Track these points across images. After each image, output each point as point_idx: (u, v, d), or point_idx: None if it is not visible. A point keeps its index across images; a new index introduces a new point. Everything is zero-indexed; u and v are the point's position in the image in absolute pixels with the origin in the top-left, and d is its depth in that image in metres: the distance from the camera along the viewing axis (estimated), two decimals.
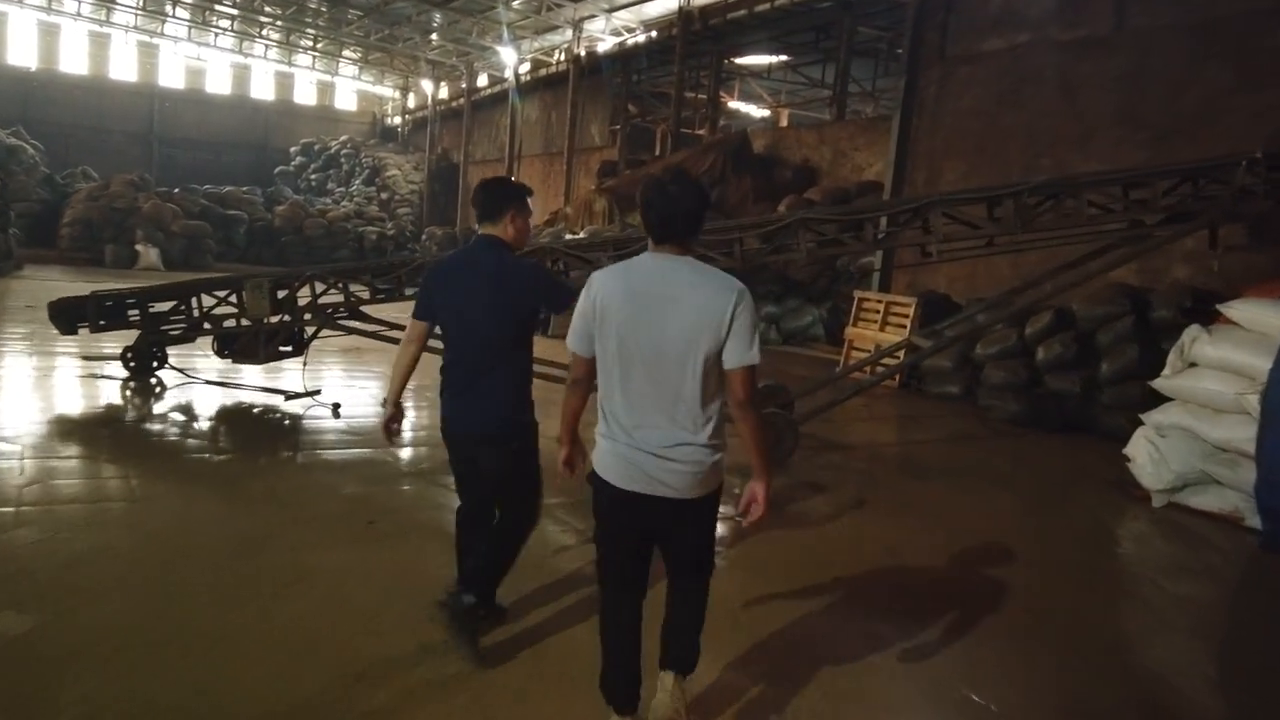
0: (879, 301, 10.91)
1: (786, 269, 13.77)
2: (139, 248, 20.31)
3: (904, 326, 10.46)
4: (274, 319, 7.41)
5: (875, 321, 10.88)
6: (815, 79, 24.23)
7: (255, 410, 7.33)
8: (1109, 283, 9.01)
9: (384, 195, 31.38)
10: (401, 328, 4.34)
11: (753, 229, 6.85)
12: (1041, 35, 10.36)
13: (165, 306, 7.86)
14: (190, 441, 6.36)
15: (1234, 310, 5.86)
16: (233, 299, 7.57)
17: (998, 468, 7.20)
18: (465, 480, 3.41)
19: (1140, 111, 9.38)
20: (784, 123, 26.08)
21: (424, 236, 27.75)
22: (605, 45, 24.28)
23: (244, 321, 7.41)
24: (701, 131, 22.64)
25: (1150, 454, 5.99)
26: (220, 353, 7.59)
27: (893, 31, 18.84)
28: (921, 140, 11.74)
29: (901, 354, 8.40)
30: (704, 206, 2.61)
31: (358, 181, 32.92)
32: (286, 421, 7.01)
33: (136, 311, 7.78)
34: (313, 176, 35.06)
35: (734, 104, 26.99)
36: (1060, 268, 7.47)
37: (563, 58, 26.14)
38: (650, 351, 2.51)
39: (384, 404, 3.40)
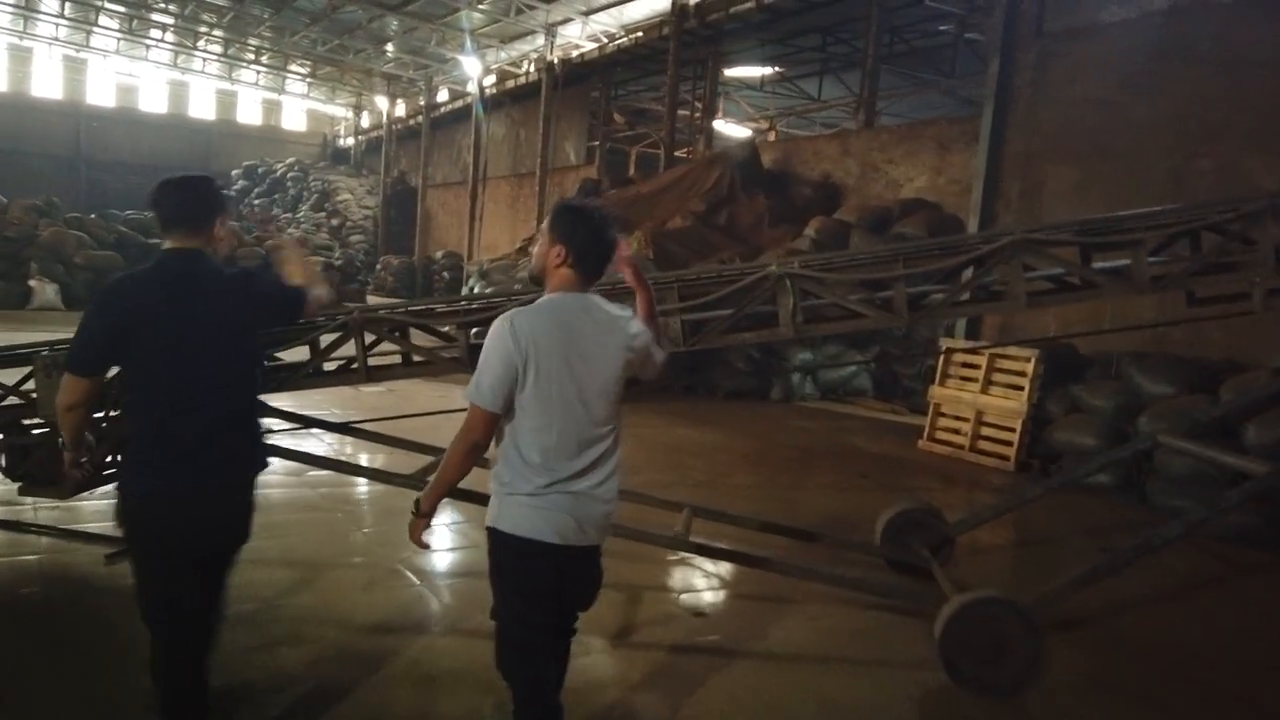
0: (979, 354, 8.16)
1: None
2: (33, 283, 17.11)
3: (1020, 388, 7.74)
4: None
5: (975, 380, 8.14)
6: (810, 94, 21.95)
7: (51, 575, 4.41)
8: None
9: (334, 221, 28.42)
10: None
11: (931, 261, 4.06)
12: None
13: None
14: None
15: None
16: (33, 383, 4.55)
17: None
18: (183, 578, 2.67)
19: None
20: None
21: (379, 266, 24.88)
22: (582, 52, 21.62)
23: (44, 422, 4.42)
24: (684, 152, 20.05)
25: None
26: (10, 473, 4.53)
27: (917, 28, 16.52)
28: (1014, 141, 9.11)
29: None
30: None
31: (305, 207, 29.99)
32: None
33: None
34: (256, 201, 31.99)
35: (717, 123, 24.44)
36: None
37: (533, 68, 23.46)
38: (588, 393, 2.45)
39: None
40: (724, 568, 4.88)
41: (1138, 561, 4.03)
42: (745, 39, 17.60)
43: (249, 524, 2.90)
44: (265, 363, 3.99)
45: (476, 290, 14.24)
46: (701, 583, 4.83)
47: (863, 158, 14.18)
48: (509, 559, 2.52)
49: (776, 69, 20.48)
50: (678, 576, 4.88)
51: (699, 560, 4.86)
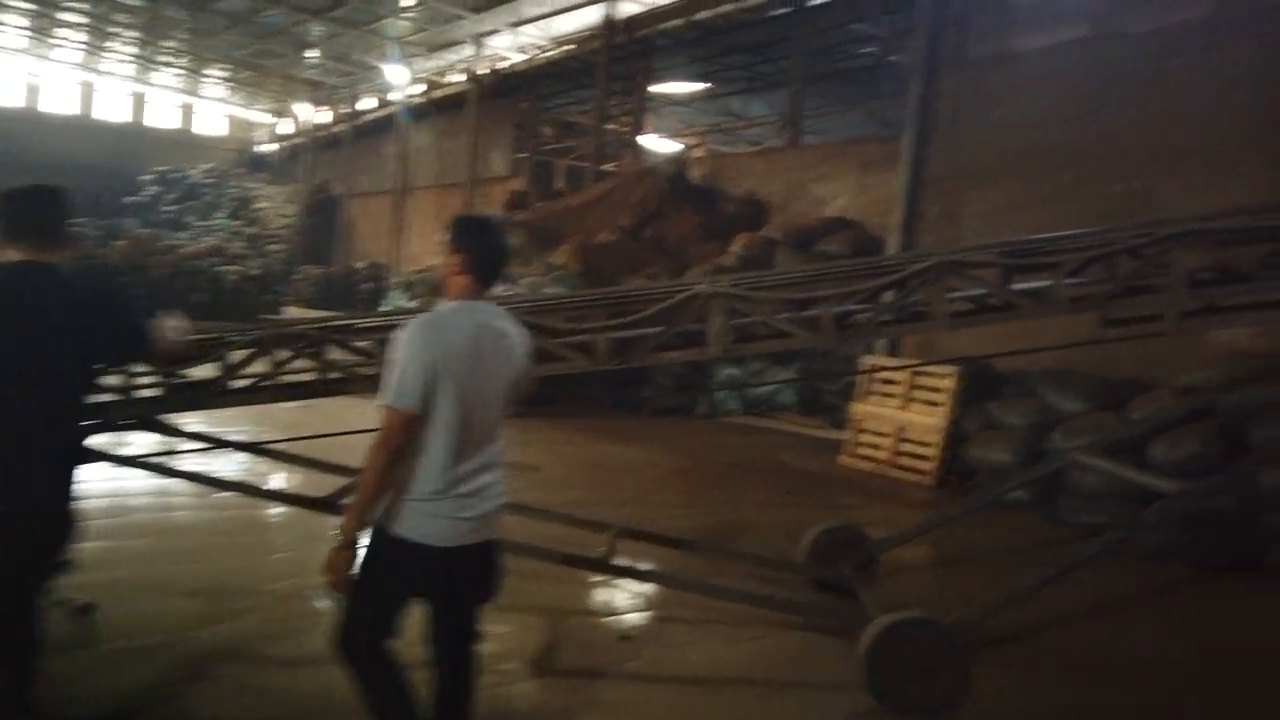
0: (900, 371, 8.28)
1: None
2: None
3: (939, 405, 7.88)
4: None
5: (896, 396, 8.26)
6: (736, 112, 22.20)
7: None
8: (1228, 352, 6.69)
9: (252, 230, 27.58)
10: None
11: (858, 281, 4.06)
12: (1108, 27, 8.06)
13: None
14: None
15: None
16: None
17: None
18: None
19: (1260, 122, 7.12)
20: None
21: (297, 276, 24.24)
22: (511, 63, 21.47)
23: None
24: (613, 166, 20.05)
25: None
26: None
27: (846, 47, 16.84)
28: (935, 163, 9.30)
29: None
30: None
31: (222, 215, 28.99)
32: None
33: None
34: (169, 208, 30.84)
35: (646, 138, 24.51)
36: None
37: (461, 78, 23.20)
38: (490, 396, 2.58)
39: None
40: (650, 589, 4.80)
41: (1060, 578, 4.09)
42: (675, 55, 17.69)
43: (36, 554, 2.78)
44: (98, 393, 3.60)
45: (401, 301, 13.93)
46: (627, 605, 4.74)
47: (788, 176, 14.36)
48: (402, 560, 2.53)
49: (705, 85, 20.64)
50: (603, 598, 4.78)
51: (625, 581, 4.77)
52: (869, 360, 8.85)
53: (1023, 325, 4.19)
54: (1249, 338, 6.52)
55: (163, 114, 36.75)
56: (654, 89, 20.17)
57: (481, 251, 2.60)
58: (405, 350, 2.48)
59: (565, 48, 19.61)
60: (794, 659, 4.13)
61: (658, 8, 15.97)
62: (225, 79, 33.16)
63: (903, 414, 8.15)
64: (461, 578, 2.61)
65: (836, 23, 14.95)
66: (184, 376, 4.07)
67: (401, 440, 2.47)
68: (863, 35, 15.98)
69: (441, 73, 24.74)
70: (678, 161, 16.08)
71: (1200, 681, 4.29)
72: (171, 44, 28.69)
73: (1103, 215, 7.04)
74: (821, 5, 14.16)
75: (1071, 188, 8.06)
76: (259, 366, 4.06)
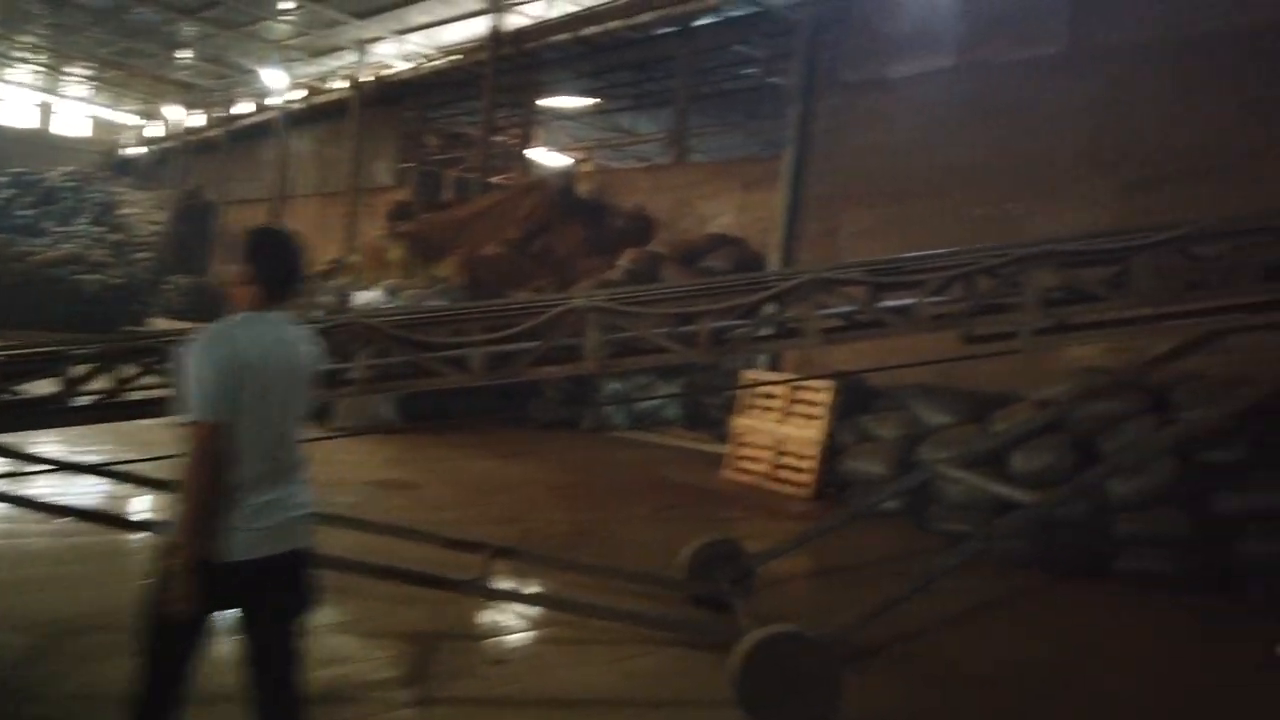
0: (779, 385, 8.44)
1: None
2: None
3: (816, 418, 8.06)
4: None
5: (776, 410, 8.41)
6: (625, 128, 22.38)
7: None
8: (1082, 368, 7.06)
9: (117, 237, 26.10)
10: None
11: (734, 297, 4.09)
12: (972, 58, 8.46)
13: None
14: None
15: None
16: None
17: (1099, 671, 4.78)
18: None
19: (1109, 150, 7.59)
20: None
21: (167, 286, 23.11)
22: (396, 71, 21.03)
23: None
24: (500, 179, 19.88)
25: None
26: None
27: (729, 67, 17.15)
28: (814, 183, 9.55)
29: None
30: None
31: (83, 220, 27.31)
32: None
33: None
34: (24, 213, 28.87)
35: (534, 151, 24.39)
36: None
37: (345, 85, 22.59)
38: (289, 406, 2.59)
39: None
40: (526, 610, 4.71)
41: (926, 588, 4.20)
42: (562, 69, 17.68)
43: None
44: None
45: None
46: (502, 627, 4.63)
47: (674, 192, 14.51)
48: (209, 576, 2.43)
49: (594, 100, 20.71)
50: (477, 621, 4.66)
51: (501, 603, 4.67)
52: (750, 375, 8.99)
53: (895, 341, 4.32)
54: (1100, 353, 6.90)
55: (18, 113, 34.55)
56: (542, 102, 20.11)
57: (272, 263, 2.62)
58: (196, 364, 2.46)
59: (452, 57, 19.34)
60: (672, 677, 4.11)
61: (545, 22, 15.95)
62: (89, 78, 31.37)
63: (782, 428, 8.30)
64: (261, 592, 2.54)
65: (720, 43, 15.20)
66: (17, 393, 3.78)
67: (216, 449, 2.44)
68: (745, 57, 16.31)
69: (323, 78, 24.03)
70: (566, 175, 16.07)
71: (1056, 683, 4.47)
72: (29, 39, 26.98)
73: (967, 236, 7.34)
74: (705, 26, 14.39)
75: (938, 210, 8.40)
76: (104, 383, 3.80)
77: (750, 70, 17.31)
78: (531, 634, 4.60)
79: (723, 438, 9.18)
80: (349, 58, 21.75)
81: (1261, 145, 6.82)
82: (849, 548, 6.39)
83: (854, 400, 8.13)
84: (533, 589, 4.84)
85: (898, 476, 7.22)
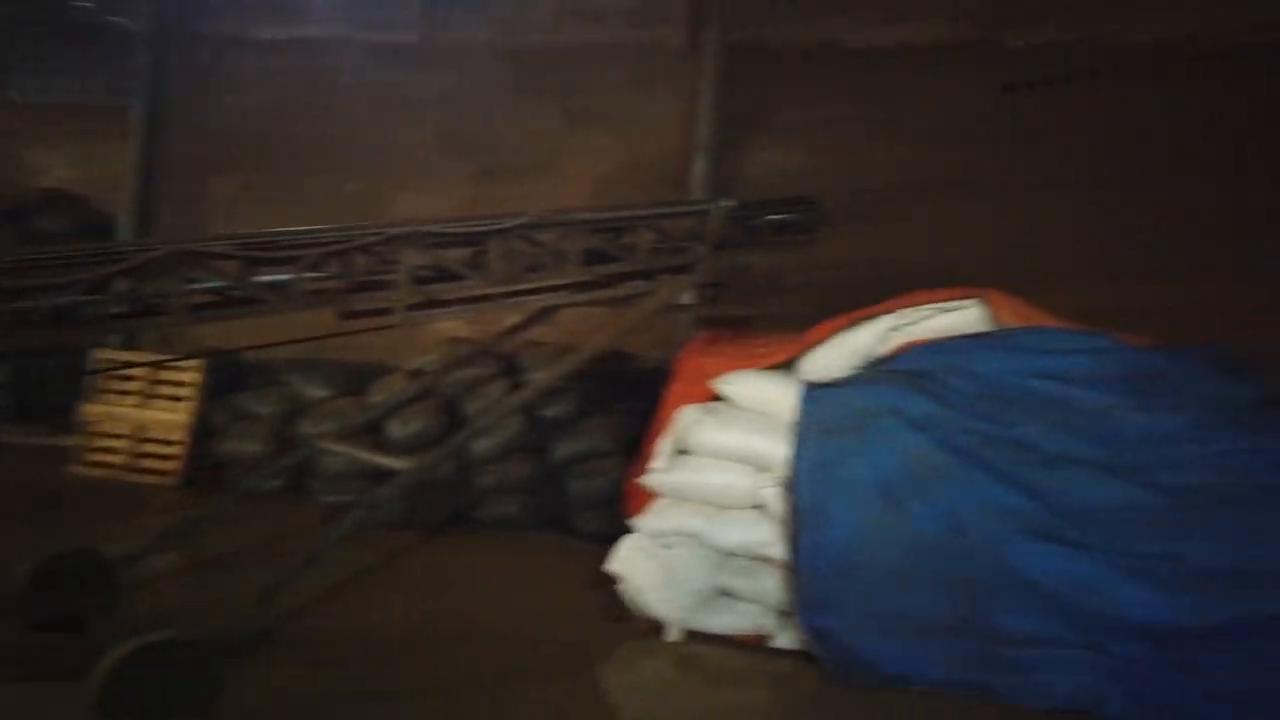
0: (136, 368, 7.59)
1: None
2: None
3: (183, 399, 7.47)
4: None
5: (135, 394, 7.56)
6: None
7: None
8: (448, 338, 7.74)
9: None
10: None
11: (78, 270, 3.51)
12: (335, 31, 8.50)
13: None
14: None
15: (731, 386, 5.04)
16: None
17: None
18: None
19: (464, 140, 8.31)
20: None
21: None
22: None
23: None
24: None
25: (655, 572, 4.79)
26: None
27: None
28: (175, 143, 8.73)
29: None
30: None
31: None
32: None
33: None
34: None
35: None
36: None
37: None
38: None
39: None
40: None
41: (313, 564, 4.22)
42: None
43: None
44: None
45: None
46: None
47: None
48: None
49: None
50: None
51: None
52: (102, 356, 7.91)
53: (272, 318, 4.22)
54: (463, 325, 7.59)
55: None
56: None
57: None
58: None
59: None
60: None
61: None
62: None
63: (143, 413, 7.51)
64: None
65: None
66: None
67: None
68: None
69: None
70: None
71: (456, 634, 4.84)
72: None
73: (343, 212, 7.46)
74: None
75: (311, 183, 8.35)
76: None
77: (84, 3, 14.99)
78: None
79: (68, 429, 7.95)
80: None
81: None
82: (233, 533, 6.07)
83: (227, 378, 7.70)
84: None
85: (278, 454, 7.10)
